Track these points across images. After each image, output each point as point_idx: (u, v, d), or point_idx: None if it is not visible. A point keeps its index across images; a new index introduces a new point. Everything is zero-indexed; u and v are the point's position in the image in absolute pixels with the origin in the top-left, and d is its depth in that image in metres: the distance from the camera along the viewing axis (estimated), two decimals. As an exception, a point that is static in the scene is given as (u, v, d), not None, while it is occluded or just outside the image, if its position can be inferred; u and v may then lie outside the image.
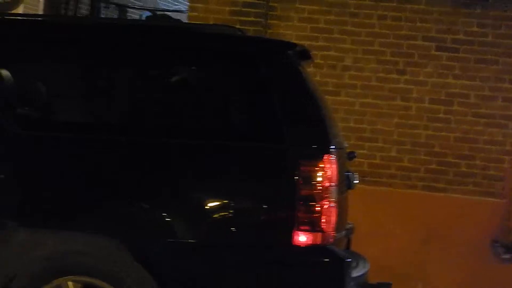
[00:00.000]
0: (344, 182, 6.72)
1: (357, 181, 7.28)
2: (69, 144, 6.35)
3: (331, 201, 6.12)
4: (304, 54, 6.92)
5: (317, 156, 6.12)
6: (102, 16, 13.84)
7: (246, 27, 9.64)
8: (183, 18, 11.60)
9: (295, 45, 6.94)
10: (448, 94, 10.59)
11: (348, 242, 7.17)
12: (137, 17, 14.58)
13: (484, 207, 10.06)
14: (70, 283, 6.07)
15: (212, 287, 6.17)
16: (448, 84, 10.60)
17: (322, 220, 6.08)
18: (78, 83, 6.68)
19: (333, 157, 6.17)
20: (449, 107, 10.57)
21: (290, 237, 6.07)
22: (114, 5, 14.35)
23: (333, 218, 6.14)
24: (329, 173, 6.11)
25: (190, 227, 6.16)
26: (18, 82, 6.52)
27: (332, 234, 6.16)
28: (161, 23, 7.14)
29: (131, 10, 14.84)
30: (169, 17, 8.05)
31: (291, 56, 6.61)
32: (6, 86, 6.40)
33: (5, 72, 6.40)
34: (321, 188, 6.09)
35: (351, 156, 7.50)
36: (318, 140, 6.25)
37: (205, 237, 6.17)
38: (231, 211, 6.20)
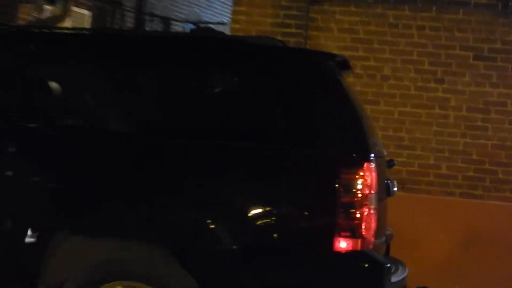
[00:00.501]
0: (384, 190, 6.71)
1: (396, 189, 7.27)
2: (121, 157, 6.40)
3: (371, 208, 6.11)
4: (344, 64, 6.92)
5: (357, 164, 6.11)
6: (147, 28, 13.89)
7: (287, 38, 9.65)
8: (226, 30, 11.62)
9: (335, 55, 6.94)
10: (486, 103, 10.55)
11: (388, 248, 7.16)
12: (180, 29, 14.62)
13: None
14: (118, 288, 6.15)
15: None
16: (485, 93, 10.56)
17: (362, 227, 6.08)
18: (133, 90, 6.71)
19: (372, 165, 6.16)
20: (486, 115, 10.54)
21: (331, 243, 6.06)
22: (158, 18, 14.41)
23: (373, 225, 6.14)
24: (369, 180, 6.10)
25: (234, 234, 6.17)
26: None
27: (372, 240, 6.15)
28: (211, 35, 7.13)
29: (175, 22, 14.90)
30: (212, 29, 8.03)
31: (331, 67, 6.61)
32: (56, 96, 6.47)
33: (54, 84, 6.46)
34: (361, 195, 6.08)
35: (390, 164, 7.49)
36: (358, 149, 6.24)
37: (248, 243, 6.18)
38: (273, 217, 6.20)
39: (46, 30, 7.87)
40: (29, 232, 6.19)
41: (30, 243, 6.20)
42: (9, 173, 6.35)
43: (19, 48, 6.60)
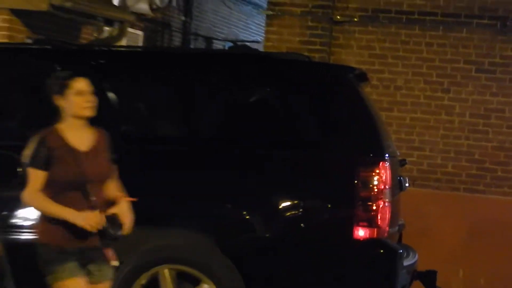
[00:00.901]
0: (397, 185, 6.71)
1: (408, 185, 7.28)
2: (174, 157, 6.42)
3: (386, 201, 6.13)
4: (362, 77, 6.92)
5: (373, 163, 6.14)
6: (191, 46, 13.92)
7: (312, 54, 9.66)
8: (260, 47, 11.66)
9: (354, 69, 6.95)
10: (486, 109, 10.52)
11: (400, 236, 7.15)
12: (220, 47, 14.64)
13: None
14: (166, 271, 6.13)
15: (284, 273, 6.20)
16: (486, 101, 10.53)
17: (378, 217, 6.09)
18: (189, 103, 6.71)
19: (387, 164, 6.18)
20: (487, 121, 10.50)
21: (351, 231, 6.09)
22: (202, 37, 14.46)
23: (387, 216, 6.15)
24: (383, 177, 6.12)
25: (268, 224, 6.21)
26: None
27: (387, 229, 6.17)
28: (248, 51, 7.14)
29: (216, 41, 14.93)
30: (248, 47, 8.04)
31: (351, 79, 6.62)
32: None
33: (111, 95, 6.49)
34: (377, 190, 6.10)
35: (402, 163, 7.48)
36: (374, 150, 6.26)
37: (281, 232, 6.21)
38: (301, 210, 6.21)
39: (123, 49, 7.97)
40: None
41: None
42: None
43: (86, 63, 6.60)
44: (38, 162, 4.82)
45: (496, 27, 10.56)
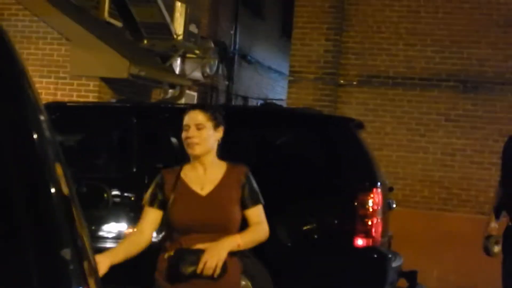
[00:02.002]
0: (386, 206, 6.68)
1: (395, 205, 7.23)
2: None
3: (378, 218, 6.09)
4: (360, 125, 6.92)
5: (369, 189, 6.11)
6: (233, 103, 13.98)
7: (322, 109, 9.67)
8: (283, 103, 11.68)
9: (353, 120, 6.97)
10: (453, 149, 10.47)
11: (389, 244, 7.11)
12: (254, 103, 14.70)
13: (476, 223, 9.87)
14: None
15: (301, 272, 6.14)
16: (452, 143, 10.48)
17: (373, 230, 6.05)
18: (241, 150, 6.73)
19: (379, 190, 6.15)
20: (453, 157, 10.46)
21: (352, 241, 6.05)
22: (240, 96, 14.54)
23: (380, 229, 6.11)
24: (377, 200, 6.09)
25: (289, 234, 6.18)
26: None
27: (379, 239, 6.13)
28: (276, 107, 7.17)
29: (251, 99, 15.01)
30: (274, 103, 8.09)
31: (351, 127, 6.64)
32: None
33: (174, 140, 6.52)
34: (371, 209, 6.06)
35: (390, 189, 7.43)
36: (369, 179, 6.23)
37: (299, 241, 6.19)
38: (316, 224, 6.21)
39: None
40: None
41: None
42: None
43: (156, 116, 6.64)
44: (151, 200, 3.54)
45: (459, 88, 10.55)
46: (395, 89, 10.72)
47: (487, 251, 5.45)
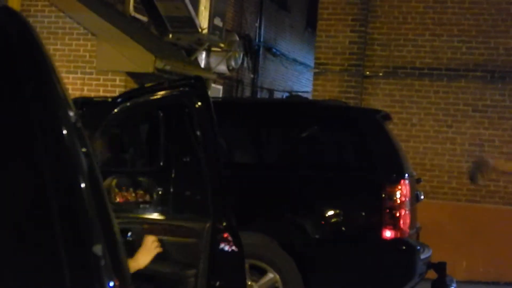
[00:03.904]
0: (414, 198, 6.64)
1: (423, 197, 7.19)
2: (249, 177, 6.39)
3: (406, 210, 6.06)
4: (386, 117, 6.90)
5: (396, 181, 6.08)
6: (258, 96, 13.98)
7: (348, 101, 9.64)
8: (309, 96, 11.65)
9: (380, 111, 6.94)
10: (481, 140, 10.40)
11: (418, 235, 7.07)
12: (280, 96, 14.68)
13: (504, 214, 9.79)
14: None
15: (330, 264, 6.15)
16: (480, 133, 10.41)
17: (401, 222, 6.02)
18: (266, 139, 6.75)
19: (407, 182, 6.13)
20: (481, 148, 10.38)
21: (380, 233, 6.03)
22: (266, 89, 14.52)
23: (408, 221, 6.09)
24: (404, 192, 6.06)
25: (318, 227, 6.17)
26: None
27: (407, 231, 6.11)
28: (301, 99, 7.20)
29: (276, 92, 14.99)
30: (300, 96, 8.11)
31: (378, 119, 6.61)
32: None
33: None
34: (399, 201, 6.04)
35: (418, 181, 7.39)
36: (397, 171, 6.21)
37: (327, 234, 6.17)
38: (344, 217, 6.19)
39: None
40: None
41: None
42: None
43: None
44: None
45: (486, 78, 10.45)
46: (421, 80, 10.65)
47: None
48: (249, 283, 6.00)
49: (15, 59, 1.10)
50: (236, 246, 4.19)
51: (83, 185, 1.09)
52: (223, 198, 4.46)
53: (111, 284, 1.03)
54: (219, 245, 4.35)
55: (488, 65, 10.46)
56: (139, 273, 3.40)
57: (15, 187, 1.04)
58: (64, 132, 1.13)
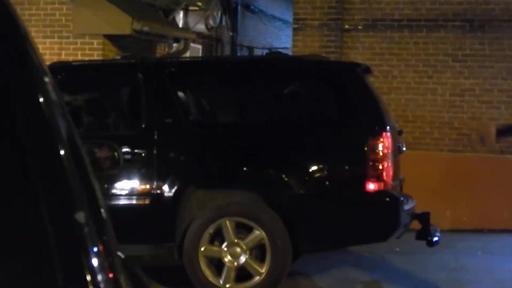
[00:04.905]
0: (397, 149, 6.67)
1: (405, 148, 7.23)
2: (231, 136, 6.39)
3: (389, 161, 6.10)
4: (367, 70, 6.89)
5: (378, 134, 6.11)
6: (238, 55, 13.90)
7: (329, 55, 9.62)
8: (289, 52, 11.60)
9: (360, 64, 6.92)
10: (461, 90, 10.45)
11: (401, 187, 7.12)
12: (259, 53, 14.60)
13: (487, 162, 9.88)
14: (227, 222, 6.09)
15: (314, 218, 6.18)
16: (461, 83, 10.45)
17: (384, 174, 6.07)
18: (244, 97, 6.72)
19: (388, 134, 6.16)
20: (462, 98, 10.43)
21: (363, 185, 6.07)
22: (245, 47, 14.45)
23: (391, 173, 6.13)
24: (386, 144, 6.10)
25: (302, 183, 6.20)
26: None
27: (391, 183, 6.15)
28: (282, 56, 7.14)
29: (256, 49, 14.91)
30: (280, 52, 8.04)
31: (359, 72, 6.60)
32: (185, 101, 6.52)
33: (182, 94, 6.51)
34: (382, 154, 6.07)
35: (400, 132, 7.42)
36: (379, 123, 6.23)
37: (311, 189, 6.21)
38: (327, 171, 6.22)
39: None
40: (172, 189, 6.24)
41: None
42: None
43: (161, 71, 6.61)
44: None
45: (465, 28, 10.46)
46: (401, 32, 10.63)
47: None
48: (236, 240, 6.05)
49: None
50: None
51: (62, 152, 1.08)
52: None
53: (95, 249, 1.03)
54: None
55: (467, 14, 10.45)
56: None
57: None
58: (41, 99, 1.11)
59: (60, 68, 6.65)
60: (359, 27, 10.77)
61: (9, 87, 1.06)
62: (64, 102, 1.20)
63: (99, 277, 1.01)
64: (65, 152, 1.08)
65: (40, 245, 0.99)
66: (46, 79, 1.14)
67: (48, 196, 1.02)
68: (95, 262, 1.01)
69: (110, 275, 1.04)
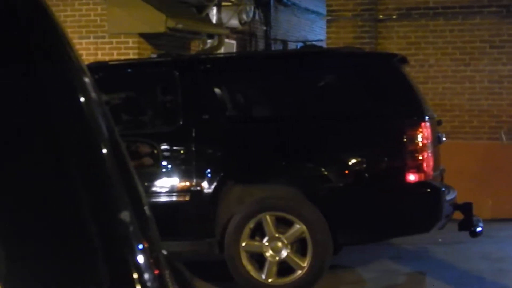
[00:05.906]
0: (436, 140, 6.63)
1: (444, 139, 7.16)
2: (269, 130, 6.39)
3: (428, 152, 6.06)
4: (403, 60, 6.85)
5: (417, 124, 6.09)
6: (273, 49, 13.88)
7: (363, 46, 9.55)
8: (323, 44, 11.55)
9: (396, 55, 6.92)
10: (500, 76, 10.30)
11: (442, 178, 7.06)
12: (294, 47, 14.57)
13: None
14: (267, 216, 6.12)
15: (356, 211, 6.17)
16: (499, 70, 10.30)
17: (424, 165, 6.04)
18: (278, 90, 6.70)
19: (427, 124, 6.13)
20: (501, 85, 10.29)
21: (404, 177, 6.04)
22: (279, 41, 14.42)
23: (431, 163, 6.10)
24: (425, 134, 6.07)
25: (342, 175, 6.17)
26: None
27: (431, 173, 6.13)
28: (318, 48, 7.13)
29: (290, 42, 14.88)
30: (315, 45, 8.00)
31: (395, 62, 6.59)
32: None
33: (218, 90, 6.52)
34: (421, 144, 6.04)
35: (439, 122, 7.38)
36: (417, 114, 6.21)
37: (351, 182, 6.19)
38: (367, 163, 6.20)
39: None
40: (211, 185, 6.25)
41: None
42: None
43: (197, 68, 6.64)
44: None
45: (502, 13, 10.30)
46: (436, 20, 10.51)
47: None
48: (277, 235, 6.05)
49: (24, 29, 1.09)
50: None
51: (104, 151, 1.08)
52: None
53: (140, 246, 1.03)
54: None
55: (503, 0, 10.29)
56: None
57: (34, 160, 1.03)
58: (82, 99, 1.11)
59: (97, 68, 6.71)
60: (393, 16, 10.68)
61: (49, 88, 1.07)
62: (103, 101, 1.20)
63: (146, 275, 1.01)
64: (107, 151, 1.08)
65: (85, 246, 0.99)
66: (86, 79, 1.14)
67: (91, 196, 1.02)
68: (140, 259, 1.01)
69: (156, 272, 1.04)
